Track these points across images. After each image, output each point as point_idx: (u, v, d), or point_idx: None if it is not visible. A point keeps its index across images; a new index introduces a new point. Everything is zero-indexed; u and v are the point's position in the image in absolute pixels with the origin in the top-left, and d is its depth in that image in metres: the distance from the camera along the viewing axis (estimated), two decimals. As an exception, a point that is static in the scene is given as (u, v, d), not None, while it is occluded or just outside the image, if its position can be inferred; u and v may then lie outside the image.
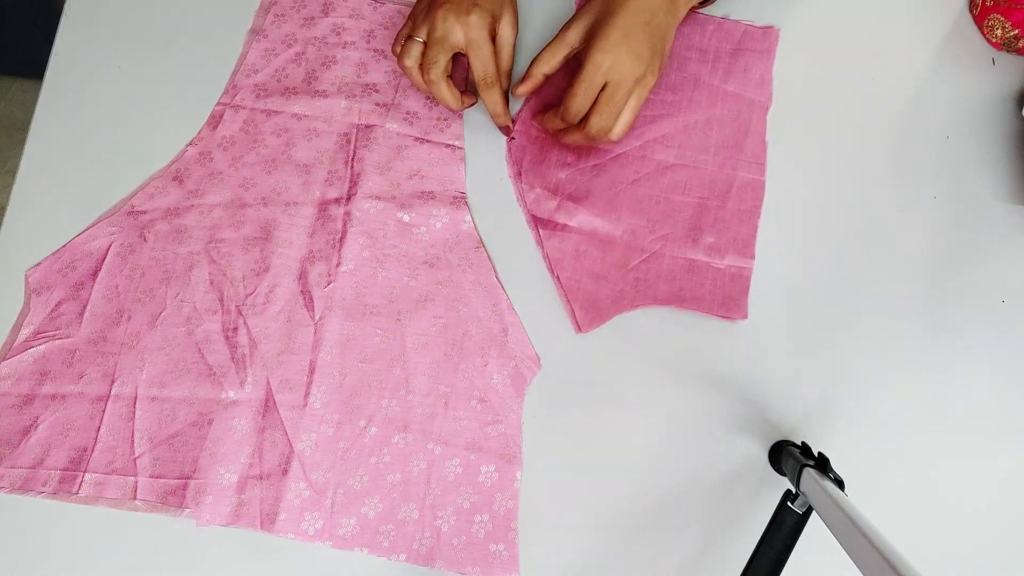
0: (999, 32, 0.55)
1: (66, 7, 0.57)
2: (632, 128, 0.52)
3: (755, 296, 0.52)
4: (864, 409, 0.50)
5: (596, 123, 0.48)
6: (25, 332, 0.49)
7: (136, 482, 0.46)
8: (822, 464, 0.41)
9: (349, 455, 0.47)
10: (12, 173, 0.53)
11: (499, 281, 0.51)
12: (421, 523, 0.46)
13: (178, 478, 0.46)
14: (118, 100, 0.55)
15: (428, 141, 0.54)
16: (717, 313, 0.50)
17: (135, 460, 0.47)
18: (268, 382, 0.48)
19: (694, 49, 0.56)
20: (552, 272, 0.51)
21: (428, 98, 0.55)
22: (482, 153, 0.54)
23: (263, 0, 0.57)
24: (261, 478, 0.47)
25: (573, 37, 0.49)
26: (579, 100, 0.47)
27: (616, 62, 0.46)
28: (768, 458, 0.48)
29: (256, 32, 0.56)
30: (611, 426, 0.49)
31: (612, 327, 0.51)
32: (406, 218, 0.52)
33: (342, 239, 0.51)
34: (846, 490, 0.39)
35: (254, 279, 0.50)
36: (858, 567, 0.33)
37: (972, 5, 0.58)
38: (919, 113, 0.56)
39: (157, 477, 0.47)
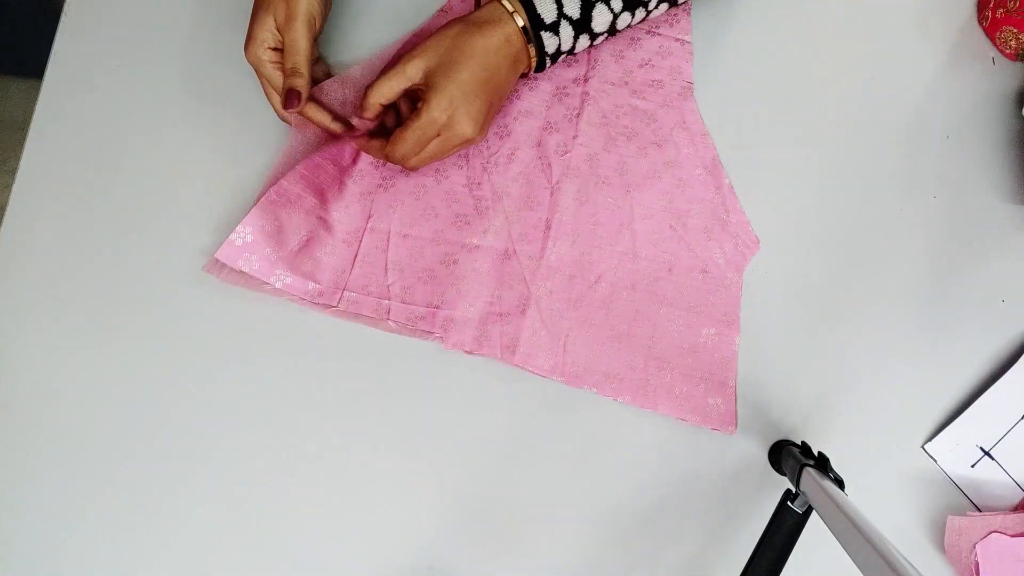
0: (1013, 43, 0.55)
1: (66, 7, 0.57)
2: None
3: (755, 296, 0.52)
4: (864, 409, 0.50)
5: (400, 151, 0.48)
6: (296, 168, 0.51)
7: (389, 305, 0.50)
8: (822, 464, 0.41)
9: (581, 305, 0.51)
10: (12, 173, 0.52)
11: (722, 165, 0.53)
12: (646, 371, 0.50)
13: (427, 306, 0.51)
14: (118, 100, 0.55)
15: (658, 34, 0.56)
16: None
17: (388, 287, 0.51)
18: (509, 233, 0.52)
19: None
20: None
21: None
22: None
23: None
24: (501, 315, 0.51)
25: (413, 73, 0.47)
26: (407, 146, 0.47)
27: (452, 121, 0.46)
28: (768, 458, 0.48)
29: None
30: (611, 426, 0.49)
31: (612, 327, 0.50)
32: (637, 103, 0.55)
33: (579, 115, 0.54)
34: (846, 490, 0.39)
35: (497, 141, 0.54)
36: (858, 567, 0.33)
37: (981, 17, 0.57)
38: (919, 113, 0.56)
39: (408, 303, 0.51)
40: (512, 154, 0.53)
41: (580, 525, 0.47)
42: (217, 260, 0.49)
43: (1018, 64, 0.57)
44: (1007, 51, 0.56)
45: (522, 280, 0.51)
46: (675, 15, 0.57)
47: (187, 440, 0.48)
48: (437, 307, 0.50)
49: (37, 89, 0.55)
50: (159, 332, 0.51)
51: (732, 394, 0.49)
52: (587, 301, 0.51)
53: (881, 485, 0.48)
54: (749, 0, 0.58)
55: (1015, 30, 0.55)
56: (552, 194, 0.53)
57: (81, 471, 0.48)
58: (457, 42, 0.47)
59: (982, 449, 0.49)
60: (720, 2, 0.57)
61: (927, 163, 0.55)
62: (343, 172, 0.52)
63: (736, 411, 0.49)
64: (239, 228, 0.49)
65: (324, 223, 0.51)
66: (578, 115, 0.54)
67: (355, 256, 0.51)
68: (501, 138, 0.54)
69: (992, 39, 0.57)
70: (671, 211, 0.53)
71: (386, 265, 0.51)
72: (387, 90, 0.48)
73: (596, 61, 0.56)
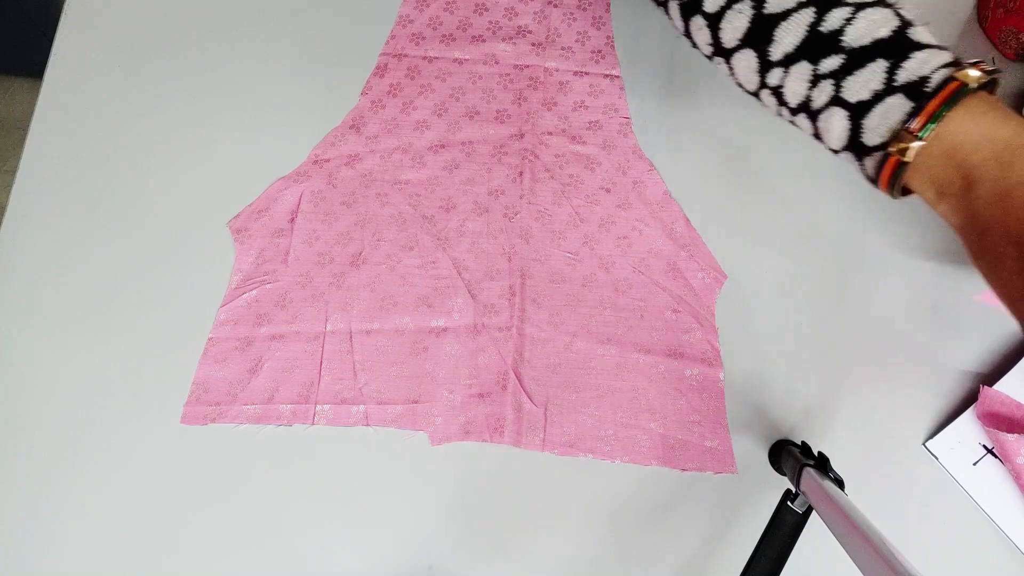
0: (1013, 43, 0.55)
1: (66, 7, 0.57)
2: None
3: (755, 295, 0.52)
4: (864, 409, 0.50)
5: None
6: (235, 279, 0.51)
7: (366, 410, 0.49)
8: (822, 464, 0.41)
9: (560, 369, 0.50)
10: (12, 173, 0.53)
11: (673, 198, 0.53)
12: (637, 426, 0.49)
13: (405, 403, 0.49)
14: (118, 100, 0.55)
15: (586, 74, 0.56)
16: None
17: (360, 389, 0.49)
18: (474, 308, 0.51)
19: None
20: None
21: (579, 33, 0.57)
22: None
23: None
24: (482, 396, 0.49)
25: None
26: None
27: None
28: (768, 458, 0.48)
29: None
30: (611, 426, 0.49)
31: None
32: (578, 148, 0.55)
33: (521, 173, 0.54)
34: (846, 490, 0.39)
35: (443, 215, 0.53)
36: (858, 567, 0.33)
37: (981, 18, 0.57)
38: (919, 113, 0.56)
39: (384, 404, 0.49)
40: (461, 226, 0.53)
41: (580, 525, 0.47)
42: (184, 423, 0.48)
43: (1018, 64, 0.57)
44: (1007, 51, 0.56)
45: (497, 355, 0.50)
46: (599, 51, 0.57)
47: (187, 439, 0.48)
48: (415, 402, 0.49)
49: (37, 89, 0.55)
50: (159, 332, 0.51)
51: (727, 433, 0.49)
52: (565, 364, 0.50)
53: (881, 485, 0.48)
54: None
55: (1015, 30, 0.54)
56: (510, 259, 0.52)
57: (80, 472, 0.48)
58: None
59: (985, 447, 0.49)
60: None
61: (927, 163, 0.55)
62: (287, 281, 0.51)
63: (732, 451, 0.48)
64: (192, 387, 0.49)
65: (279, 339, 0.50)
66: (521, 173, 0.54)
67: (320, 364, 0.50)
68: (447, 211, 0.53)
69: (992, 39, 0.57)
70: (631, 254, 0.52)
71: (354, 367, 0.50)
72: None
73: (529, 114, 0.55)
